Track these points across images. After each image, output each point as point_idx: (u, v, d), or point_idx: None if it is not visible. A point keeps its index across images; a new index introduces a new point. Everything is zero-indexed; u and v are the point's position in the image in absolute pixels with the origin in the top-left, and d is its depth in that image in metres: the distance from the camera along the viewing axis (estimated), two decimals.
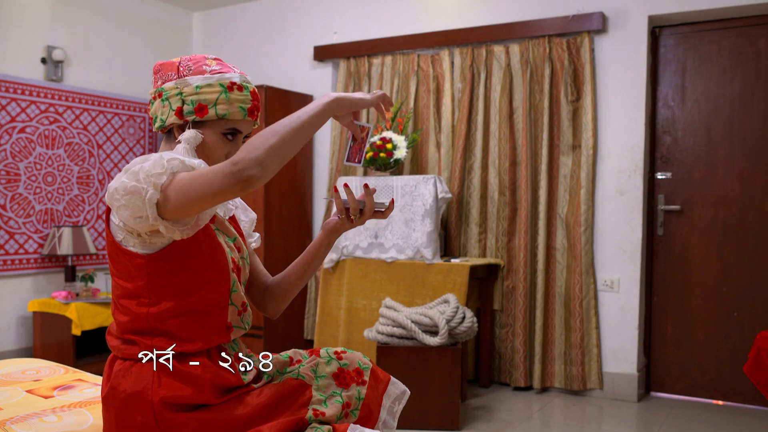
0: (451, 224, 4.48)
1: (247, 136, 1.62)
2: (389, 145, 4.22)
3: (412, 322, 3.54)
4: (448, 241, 4.49)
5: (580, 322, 4.12)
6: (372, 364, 1.75)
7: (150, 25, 5.46)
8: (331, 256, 4.35)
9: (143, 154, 5.36)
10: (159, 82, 1.56)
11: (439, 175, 4.32)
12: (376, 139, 4.30)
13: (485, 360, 4.33)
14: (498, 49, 4.40)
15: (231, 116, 1.54)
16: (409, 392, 1.83)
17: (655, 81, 4.23)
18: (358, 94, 1.51)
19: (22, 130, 4.59)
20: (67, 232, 4.58)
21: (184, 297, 1.50)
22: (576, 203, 4.17)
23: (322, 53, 5.06)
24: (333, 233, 1.77)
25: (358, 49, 4.88)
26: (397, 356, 3.53)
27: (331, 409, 1.60)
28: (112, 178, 5.07)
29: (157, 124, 1.56)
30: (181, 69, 1.55)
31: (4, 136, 4.50)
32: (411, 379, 3.47)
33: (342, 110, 1.49)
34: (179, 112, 1.51)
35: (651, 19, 4.07)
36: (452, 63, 4.56)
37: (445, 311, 3.55)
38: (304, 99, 5.11)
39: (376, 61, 4.86)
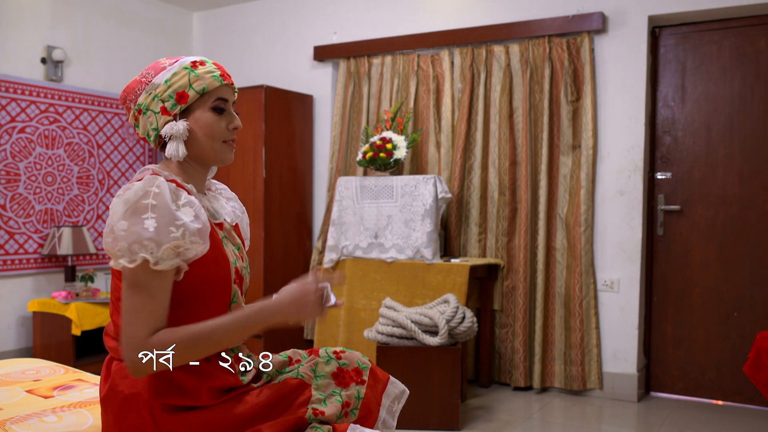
0: (451, 224, 4.48)
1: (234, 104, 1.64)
2: (389, 145, 4.22)
3: (412, 322, 3.54)
4: (448, 241, 4.49)
5: (580, 322, 4.12)
6: (371, 364, 1.75)
7: (150, 25, 5.47)
8: (331, 256, 4.35)
9: (143, 154, 5.36)
10: (132, 104, 1.56)
11: (439, 175, 4.32)
12: (376, 139, 4.30)
13: (485, 360, 4.33)
14: (498, 49, 4.40)
15: (210, 87, 1.55)
16: (408, 392, 1.83)
17: (655, 81, 4.23)
18: (292, 320, 1.51)
19: (22, 130, 4.59)
20: (66, 232, 4.58)
21: (184, 306, 1.49)
22: (576, 203, 4.17)
23: (322, 53, 5.06)
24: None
25: (358, 49, 4.88)
26: (397, 356, 3.53)
27: (330, 408, 1.60)
28: (112, 178, 5.10)
29: (153, 138, 1.55)
30: (143, 80, 1.55)
31: (4, 136, 4.50)
32: (411, 379, 3.47)
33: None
34: (164, 111, 1.52)
35: (651, 19, 4.07)
36: (452, 63, 4.56)
37: (445, 311, 3.55)
38: (304, 99, 5.11)
39: (376, 61, 4.86)
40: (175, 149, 1.52)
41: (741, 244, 4.00)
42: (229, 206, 1.70)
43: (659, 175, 4.23)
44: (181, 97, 1.52)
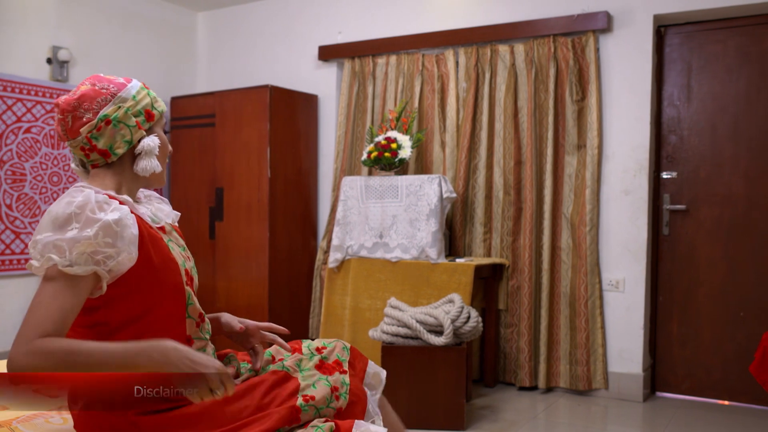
0: (456, 224, 4.48)
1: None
2: (394, 145, 4.22)
3: (417, 321, 3.54)
4: (453, 240, 4.48)
5: (585, 322, 4.11)
6: (350, 355, 1.78)
7: (155, 25, 5.47)
8: (336, 256, 4.35)
9: None
10: (89, 114, 1.50)
11: (443, 175, 4.32)
12: (380, 138, 4.30)
13: (490, 360, 4.32)
14: (503, 49, 4.39)
15: (163, 110, 1.61)
16: (384, 373, 1.85)
17: (661, 80, 4.22)
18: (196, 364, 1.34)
19: (27, 130, 4.60)
20: None
21: (140, 318, 1.48)
22: (581, 203, 4.16)
23: (327, 53, 5.06)
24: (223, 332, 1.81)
25: (363, 49, 4.88)
26: (401, 356, 3.53)
27: (320, 391, 1.62)
28: None
29: (121, 150, 1.53)
30: (104, 91, 1.52)
31: (10, 136, 4.51)
32: (416, 379, 3.47)
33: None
34: (139, 125, 1.54)
35: (656, 18, 4.06)
36: (457, 63, 4.56)
37: (450, 311, 3.54)
38: (309, 99, 5.11)
39: (381, 60, 4.86)
40: (149, 164, 1.54)
41: (747, 244, 3.99)
42: (166, 207, 1.69)
43: (665, 175, 4.22)
44: (149, 115, 1.56)
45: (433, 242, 4.05)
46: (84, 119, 1.50)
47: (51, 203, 4.64)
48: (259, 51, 5.48)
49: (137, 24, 5.33)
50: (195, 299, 1.61)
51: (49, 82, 4.71)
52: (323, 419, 1.57)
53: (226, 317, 1.80)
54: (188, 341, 1.57)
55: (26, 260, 4.61)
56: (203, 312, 1.65)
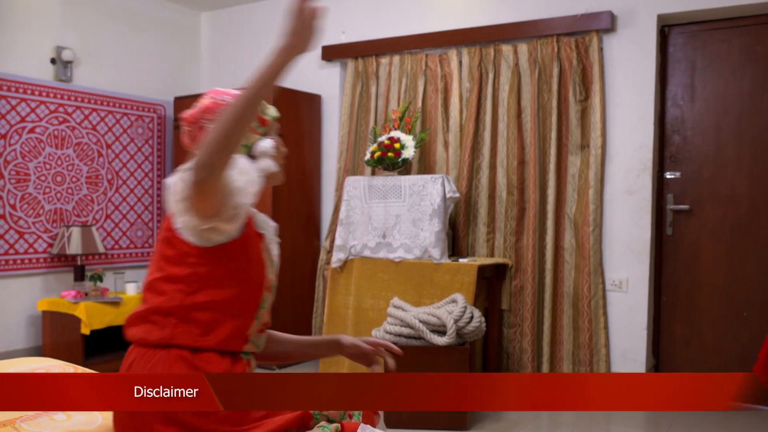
0: (459, 224, 4.48)
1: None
2: (397, 145, 4.22)
3: (420, 321, 3.54)
4: (456, 240, 4.48)
5: (589, 322, 4.11)
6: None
7: (158, 26, 5.48)
8: (339, 256, 4.35)
9: (151, 153, 5.38)
10: (209, 123, 1.65)
11: (447, 175, 4.32)
12: (384, 138, 4.30)
13: (493, 360, 4.32)
14: (506, 49, 4.39)
15: (273, 115, 1.72)
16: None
17: (664, 80, 4.21)
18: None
19: (31, 130, 4.62)
20: (76, 232, 4.60)
21: (220, 296, 1.55)
22: (584, 203, 4.16)
23: (330, 53, 5.07)
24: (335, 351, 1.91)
25: (366, 49, 4.88)
26: (405, 356, 3.51)
27: (333, 413, 1.65)
28: (121, 178, 5.12)
29: (240, 153, 1.66)
30: (221, 103, 1.66)
31: (14, 136, 4.53)
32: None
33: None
34: (253, 130, 1.67)
35: (660, 17, 4.06)
36: (460, 62, 4.55)
37: (453, 311, 3.54)
38: (313, 99, 5.11)
39: (384, 60, 4.86)
40: (266, 164, 1.67)
41: (750, 244, 3.98)
42: (270, 222, 1.77)
43: (668, 175, 4.21)
44: (261, 120, 1.68)
45: (436, 242, 4.05)
46: (203, 128, 1.65)
47: (54, 204, 4.67)
48: (262, 51, 5.46)
49: (141, 24, 5.34)
50: (267, 307, 1.69)
51: (52, 82, 4.73)
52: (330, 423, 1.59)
53: (347, 338, 1.91)
54: (245, 339, 1.63)
55: (29, 260, 4.63)
56: (269, 323, 1.73)
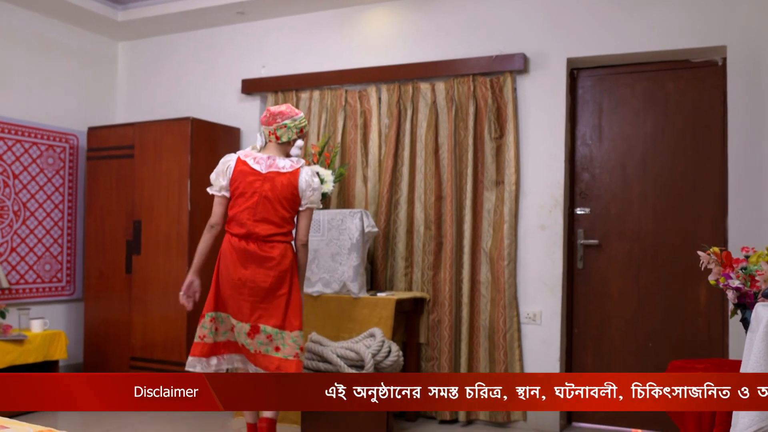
0: (378, 258, 4.50)
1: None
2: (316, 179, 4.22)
3: (338, 356, 3.53)
4: (375, 274, 4.50)
5: (504, 355, 4.18)
6: None
7: (73, 55, 5.34)
8: None
9: (63, 185, 5.20)
10: (280, 121, 3.29)
11: (365, 209, 4.35)
12: None
13: None
14: (424, 86, 4.49)
15: (308, 129, 3.29)
16: None
17: (574, 120, 4.40)
18: None
19: None
20: None
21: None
22: (499, 237, 4.26)
23: (251, 86, 5.06)
24: None
25: (287, 83, 4.90)
26: None
27: None
28: (29, 210, 4.92)
29: (284, 139, 3.32)
30: (286, 112, 3.31)
31: None
32: (336, 414, 3.44)
33: None
34: (296, 132, 3.34)
35: (569, 61, 4.25)
36: (379, 99, 4.63)
37: (371, 345, 3.54)
38: (232, 131, 5.07)
39: (305, 95, 4.88)
40: (294, 150, 3.35)
41: (655, 277, 4.16)
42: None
43: (578, 211, 4.37)
44: (300, 130, 3.35)
45: (355, 276, 4.06)
46: (278, 120, 3.29)
47: None
48: (182, 83, 5.42)
49: (54, 52, 5.19)
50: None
51: None
52: None
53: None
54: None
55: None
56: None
